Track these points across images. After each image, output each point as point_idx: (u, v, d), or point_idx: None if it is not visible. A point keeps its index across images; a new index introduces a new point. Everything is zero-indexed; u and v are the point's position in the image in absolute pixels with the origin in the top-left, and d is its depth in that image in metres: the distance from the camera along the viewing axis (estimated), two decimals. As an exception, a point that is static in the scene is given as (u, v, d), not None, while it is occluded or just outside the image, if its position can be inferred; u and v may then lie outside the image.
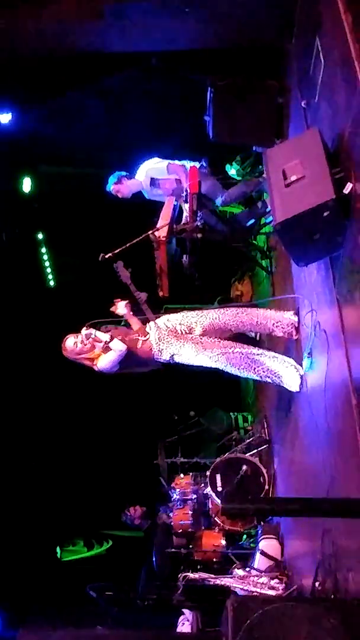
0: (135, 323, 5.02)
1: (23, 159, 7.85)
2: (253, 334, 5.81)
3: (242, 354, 4.76)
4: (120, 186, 6.36)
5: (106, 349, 4.81)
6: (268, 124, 5.87)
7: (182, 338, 4.85)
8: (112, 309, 5.05)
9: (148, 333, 4.90)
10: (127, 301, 4.96)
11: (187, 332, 4.89)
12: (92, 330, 4.84)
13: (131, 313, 5.06)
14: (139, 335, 4.91)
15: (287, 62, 5.59)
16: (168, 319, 4.98)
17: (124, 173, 6.41)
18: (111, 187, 6.38)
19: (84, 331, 4.83)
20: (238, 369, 4.79)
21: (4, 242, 7.92)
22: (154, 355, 4.87)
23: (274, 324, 4.88)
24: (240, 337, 5.17)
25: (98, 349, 4.85)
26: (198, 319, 4.91)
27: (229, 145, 6.38)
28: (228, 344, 4.82)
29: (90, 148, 7.57)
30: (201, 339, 4.84)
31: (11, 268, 8.18)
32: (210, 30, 5.73)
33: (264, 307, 5.15)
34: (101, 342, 4.81)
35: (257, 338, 6.01)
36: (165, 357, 4.87)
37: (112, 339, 4.80)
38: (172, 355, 4.84)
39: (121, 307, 5.01)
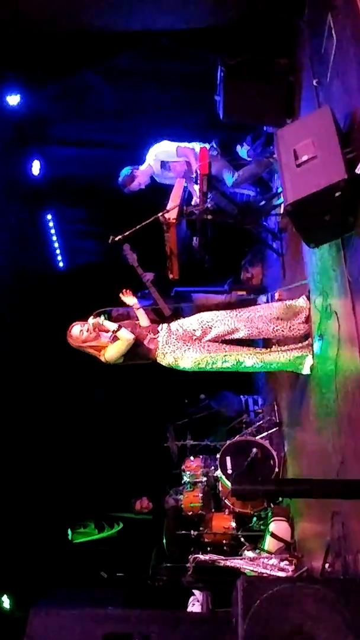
0: (144, 319, 5.00)
1: (32, 141, 7.80)
2: None
3: (250, 355, 4.73)
4: (134, 182, 6.33)
5: (114, 338, 4.78)
6: (279, 103, 5.79)
7: (190, 342, 4.79)
8: (122, 297, 5.03)
9: (158, 332, 4.86)
10: (96, 319, 4.81)
11: (200, 337, 4.82)
12: (100, 319, 4.79)
13: (141, 308, 5.03)
14: (148, 332, 4.88)
15: (299, 40, 5.50)
16: (182, 324, 4.91)
17: (129, 170, 6.34)
18: (126, 185, 6.35)
19: (91, 320, 4.78)
20: (245, 367, 4.76)
21: (13, 224, 7.89)
22: (157, 356, 4.83)
23: (289, 327, 4.78)
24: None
25: (104, 338, 4.81)
26: (214, 323, 4.80)
27: (240, 125, 6.31)
28: (235, 347, 4.78)
29: (100, 129, 7.52)
30: (209, 343, 4.78)
31: (20, 250, 8.16)
32: (220, 8, 5.65)
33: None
34: (109, 331, 4.78)
35: None
36: (167, 361, 4.80)
37: (119, 328, 4.76)
38: (176, 360, 4.77)
39: (130, 299, 5.02)
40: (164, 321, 5.13)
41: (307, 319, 4.75)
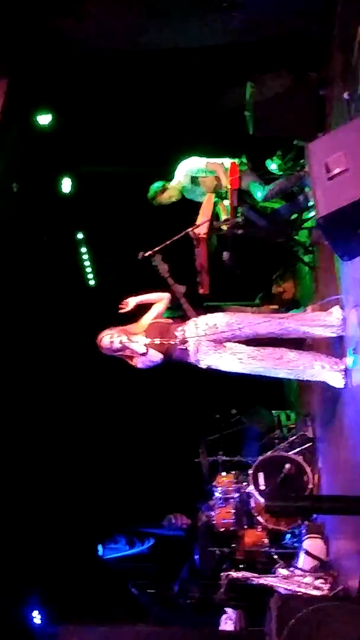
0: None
1: (63, 160, 7.91)
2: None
3: (281, 360, 4.66)
4: (164, 195, 6.36)
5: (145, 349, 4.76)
6: (310, 117, 5.79)
7: (220, 347, 4.74)
8: (122, 308, 5.00)
9: (183, 334, 4.81)
10: (122, 338, 4.78)
11: (229, 338, 4.77)
12: (126, 341, 4.74)
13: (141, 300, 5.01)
14: (177, 329, 4.83)
15: (329, 53, 5.51)
16: (207, 322, 4.84)
17: (162, 183, 6.38)
18: (155, 198, 6.38)
19: (116, 338, 4.75)
20: (277, 372, 4.71)
21: (45, 243, 8.00)
22: (190, 356, 4.77)
23: (323, 325, 4.75)
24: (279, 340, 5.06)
25: (136, 344, 4.78)
26: (240, 326, 4.76)
27: (270, 139, 6.32)
28: (267, 348, 4.72)
29: (129, 146, 7.59)
30: (238, 344, 4.74)
31: (52, 269, 8.25)
32: (249, 23, 5.68)
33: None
34: (137, 354, 4.76)
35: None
36: (202, 366, 4.77)
37: (147, 350, 4.72)
38: (209, 366, 4.74)
39: (132, 302, 4.99)
40: None
41: (343, 328, 4.69)
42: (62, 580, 7.36)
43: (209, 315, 4.90)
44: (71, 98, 6.94)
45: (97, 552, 8.66)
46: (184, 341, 4.80)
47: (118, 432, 8.73)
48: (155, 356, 4.74)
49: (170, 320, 5.02)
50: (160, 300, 5.04)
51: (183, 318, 5.19)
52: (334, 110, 5.40)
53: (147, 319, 4.97)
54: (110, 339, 4.80)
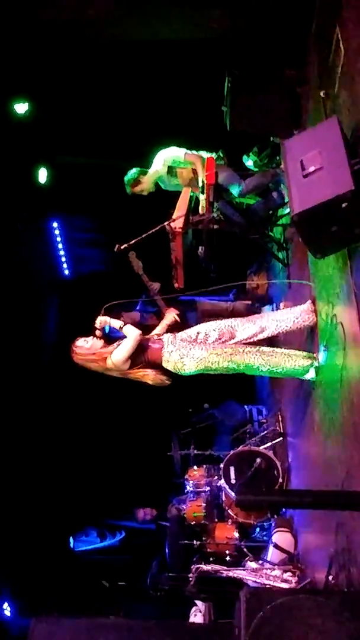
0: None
1: (39, 149, 7.84)
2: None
3: (254, 354, 4.70)
4: (137, 187, 6.32)
5: (119, 345, 4.76)
6: (286, 114, 5.81)
7: (194, 342, 4.78)
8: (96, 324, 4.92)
9: (162, 336, 4.87)
10: (105, 317, 4.81)
11: (203, 339, 4.81)
12: (107, 318, 4.82)
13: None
14: (154, 335, 4.88)
15: (307, 51, 5.53)
16: (185, 331, 4.90)
17: (136, 173, 6.33)
18: (131, 189, 6.34)
19: (99, 318, 4.80)
20: (251, 368, 4.73)
21: (19, 232, 7.93)
22: (163, 355, 4.76)
23: (295, 320, 4.80)
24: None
25: (111, 347, 4.79)
26: (217, 326, 4.81)
27: (246, 135, 6.33)
28: (239, 345, 4.75)
29: (107, 138, 7.55)
30: (213, 343, 4.78)
31: (26, 257, 8.19)
32: (229, 18, 5.68)
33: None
34: (115, 329, 4.77)
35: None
36: (173, 359, 4.73)
37: (125, 324, 4.76)
38: (182, 357, 4.71)
39: (102, 321, 4.87)
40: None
41: (314, 321, 4.75)
42: (33, 573, 7.34)
43: (188, 330, 4.93)
44: (49, 87, 6.88)
45: (68, 544, 8.64)
46: (159, 336, 4.84)
47: (90, 424, 8.71)
48: (134, 330, 4.70)
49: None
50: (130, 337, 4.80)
51: (157, 314, 5.19)
52: (311, 109, 5.43)
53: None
54: (85, 339, 4.80)
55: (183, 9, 5.60)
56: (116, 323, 4.79)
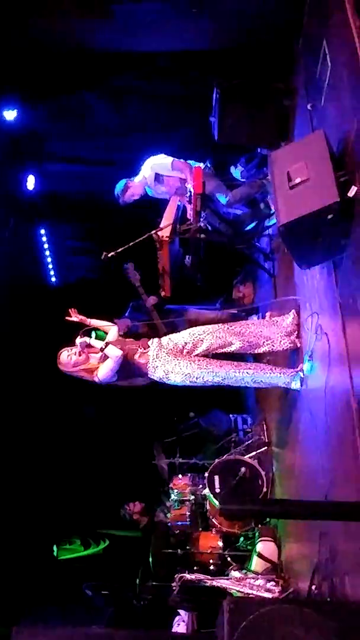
0: (111, 335, 4.89)
1: (27, 156, 7.84)
2: None
3: (240, 371, 4.72)
4: (127, 193, 6.34)
5: (104, 358, 4.76)
6: (273, 126, 5.85)
7: (180, 356, 4.79)
8: (69, 319, 4.94)
9: (149, 347, 4.86)
10: (84, 338, 4.78)
11: (190, 350, 4.83)
12: (87, 338, 4.79)
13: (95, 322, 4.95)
14: (139, 347, 4.87)
15: (294, 64, 5.59)
16: (172, 337, 4.93)
17: (123, 183, 6.35)
18: (121, 198, 6.35)
19: (78, 340, 4.77)
20: (235, 383, 4.76)
21: (6, 238, 7.91)
22: (148, 370, 4.81)
23: (280, 329, 4.84)
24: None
25: (94, 359, 4.81)
26: (205, 336, 4.83)
27: (234, 146, 6.37)
28: (225, 362, 4.77)
29: (95, 147, 7.57)
30: (199, 357, 4.79)
31: (13, 264, 8.16)
32: (217, 31, 5.74)
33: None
34: (97, 350, 4.77)
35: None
36: (158, 374, 4.78)
37: (107, 345, 4.74)
38: (167, 374, 4.75)
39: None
40: (156, 336, 5.13)
41: (298, 334, 4.78)
42: (16, 581, 7.29)
43: (171, 335, 4.97)
44: (38, 94, 6.89)
45: (52, 552, 8.59)
46: (146, 345, 4.84)
47: (76, 433, 8.67)
48: (115, 351, 4.71)
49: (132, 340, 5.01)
50: (108, 330, 4.92)
51: (150, 326, 5.20)
52: (297, 121, 5.48)
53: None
54: (68, 352, 4.80)
55: (172, 21, 5.64)
56: (97, 344, 4.77)
